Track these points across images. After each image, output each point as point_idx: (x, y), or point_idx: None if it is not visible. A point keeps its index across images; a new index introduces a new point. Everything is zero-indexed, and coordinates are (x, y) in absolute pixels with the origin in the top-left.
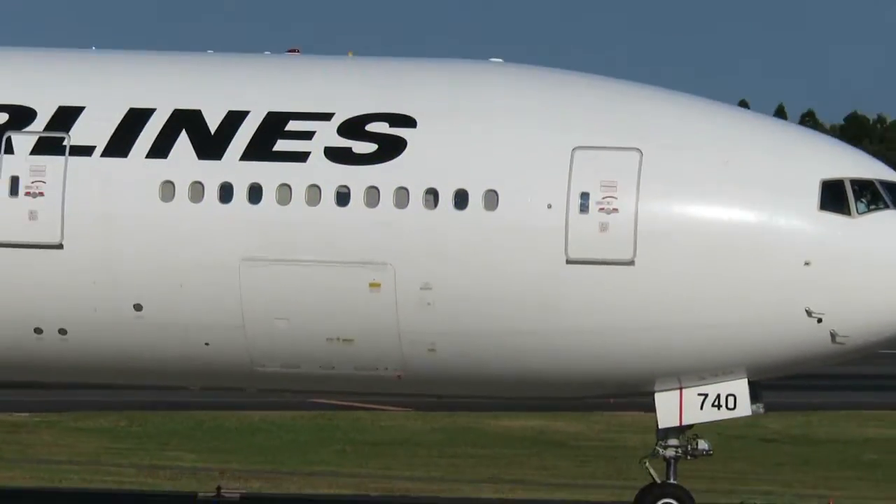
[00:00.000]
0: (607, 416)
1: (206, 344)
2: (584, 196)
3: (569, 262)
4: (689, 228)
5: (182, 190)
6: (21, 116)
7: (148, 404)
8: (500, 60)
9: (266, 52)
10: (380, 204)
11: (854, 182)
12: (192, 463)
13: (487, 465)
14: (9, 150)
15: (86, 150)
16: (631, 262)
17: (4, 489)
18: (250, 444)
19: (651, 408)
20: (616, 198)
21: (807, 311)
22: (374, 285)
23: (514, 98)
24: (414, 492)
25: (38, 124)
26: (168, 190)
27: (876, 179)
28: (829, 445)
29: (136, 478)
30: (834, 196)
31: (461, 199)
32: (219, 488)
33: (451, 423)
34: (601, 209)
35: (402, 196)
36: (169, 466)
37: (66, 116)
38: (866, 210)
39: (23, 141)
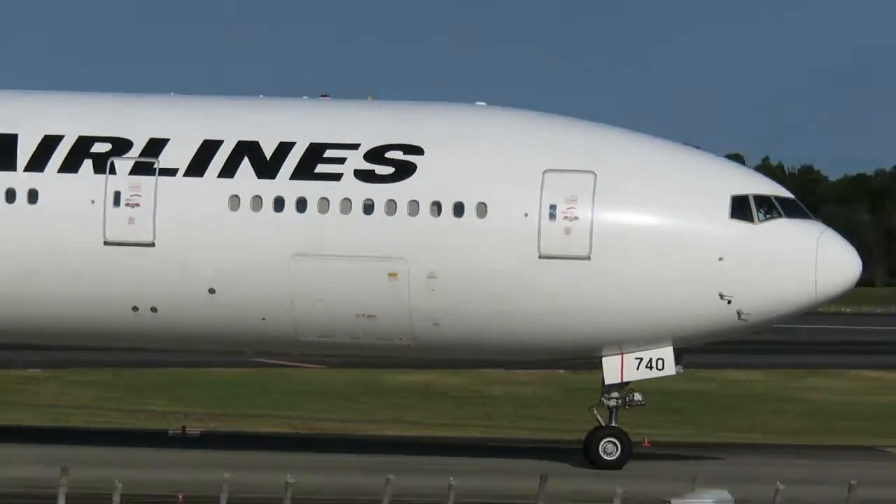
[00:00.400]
0: (478, 371)
1: (263, 319)
2: (553, 207)
3: (541, 257)
4: (632, 232)
5: (245, 202)
6: (121, 146)
7: (131, 363)
8: (485, 104)
9: (304, 97)
10: (396, 213)
11: (756, 197)
12: (164, 408)
13: (388, 410)
14: (112, 171)
15: (171, 172)
16: (588, 258)
17: (20, 427)
18: (209, 394)
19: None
20: (576, 208)
21: (720, 295)
22: (392, 275)
23: (498, 133)
24: (331, 430)
25: (134, 152)
26: (234, 202)
27: (772, 195)
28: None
29: (121, 419)
30: (741, 207)
31: (458, 209)
32: (184, 427)
33: (360, 377)
34: (565, 217)
35: (413, 207)
36: (146, 411)
37: (155, 146)
38: (765, 218)
39: (123, 165)
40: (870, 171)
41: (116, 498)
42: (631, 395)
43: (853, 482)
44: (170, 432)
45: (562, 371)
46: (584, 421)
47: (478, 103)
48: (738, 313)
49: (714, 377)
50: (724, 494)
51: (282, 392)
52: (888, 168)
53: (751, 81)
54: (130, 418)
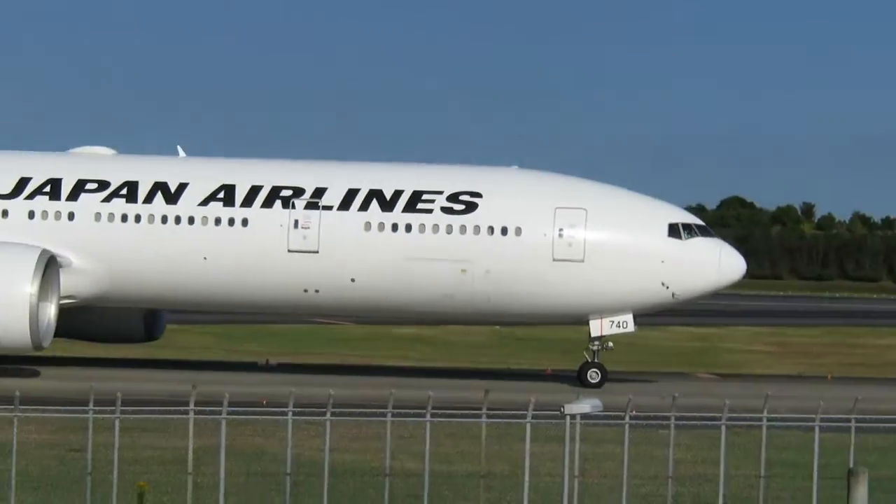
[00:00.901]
0: (451, 328)
1: (384, 297)
2: (560, 230)
3: (553, 260)
4: (608, 245)
5: (374, 226)
6: (298, 192)
7: (235, 320)
8: (517, 167)
9: (407, 161)
10: (467, 233)
11: (682, 224)
12: (255, 349)
13: (392, 349)
14: (293, 207)
15: (329, 207)
16: (582, 261)
17: (165, 359)
18: (283, 340)
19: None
20: (575, 231)
21: (662, 283)
22: (464, 270)
23: (527, 185)
24: (357, 362)
25: (306, 195)
26: (367, 226)
27: (692, 223)
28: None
29: (227, 356)
30: (672, 230)
31: (504, 230)
32: (267, 360)
33: (374, 329)
34: (568, 236)
35: (476, 229)
36: (244, 351)
37: (319, 192)
38: (689, 237)
39: (299, 203)
40: None
41: (225, 403)
42: (606, 344)
43: (676, 394)
44: (258, 363)
45: (497, 327)
46: (514, 355)
47: (513, 166)
48: (672, 294)
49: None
50: (596, 400)
51: (327, 339)
52: None
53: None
54: (234, 356)
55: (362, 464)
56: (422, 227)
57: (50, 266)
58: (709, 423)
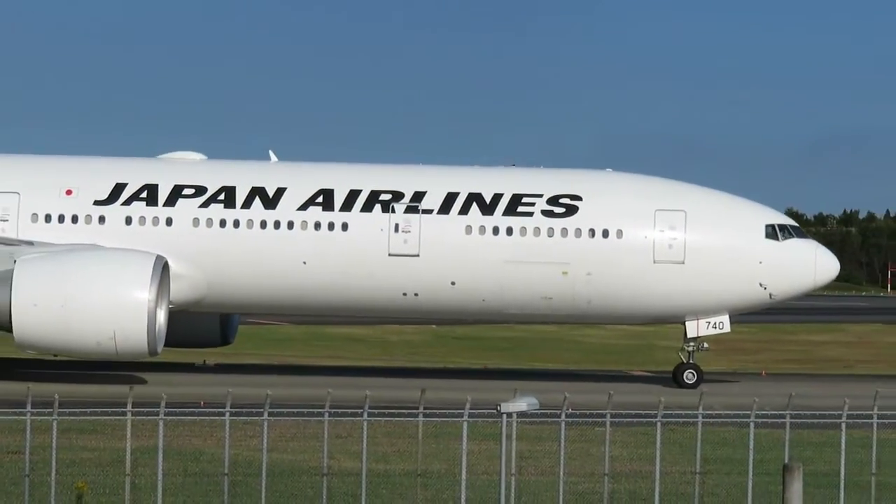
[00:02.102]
0: (388, 327)
1: (483, 300)
2: (661, 231)
3: (654, 262)
4: (707, 246)
5: (475, 229)
6: (397, 196)
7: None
8: (611, 169)
9: (500, 166)
10: (568, 236)
11: (778, 225)
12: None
13: (329, 349)
14: (393, 211)
15: (429, 212)
16: (682, 263)
17: (103, 361)
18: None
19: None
20: (675, 233)
21: (760, 283)
22: (565, 273)
23: (625, 187)
24: (296, 362)
25: (406, 199)
26: (468, 229)
27: (788, 225)
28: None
29: (165, 357)
30: (770, 232)
31: (605, 233)
32: (204, 361)
33: (311, 330)
34: (670, 238)
35: (577, 232)
36: (182, 352)
37: (418, 196)
38: (785, 238)
39: (399, 208)
40: None
41: (162, 404)
42: (701, 344)
43: (611, 392)
44: (196, 364)
45: (433, 326)
46: (452, 354)
47: (607, 169)
48: (770, 295)
49: (526, 329)
50: (533, 399)
51: (264, 340)
52: None
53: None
54: (173, 356)
55: (300, 463)
56: (523, 231)
57: (164, 272)
58: (644, 420)
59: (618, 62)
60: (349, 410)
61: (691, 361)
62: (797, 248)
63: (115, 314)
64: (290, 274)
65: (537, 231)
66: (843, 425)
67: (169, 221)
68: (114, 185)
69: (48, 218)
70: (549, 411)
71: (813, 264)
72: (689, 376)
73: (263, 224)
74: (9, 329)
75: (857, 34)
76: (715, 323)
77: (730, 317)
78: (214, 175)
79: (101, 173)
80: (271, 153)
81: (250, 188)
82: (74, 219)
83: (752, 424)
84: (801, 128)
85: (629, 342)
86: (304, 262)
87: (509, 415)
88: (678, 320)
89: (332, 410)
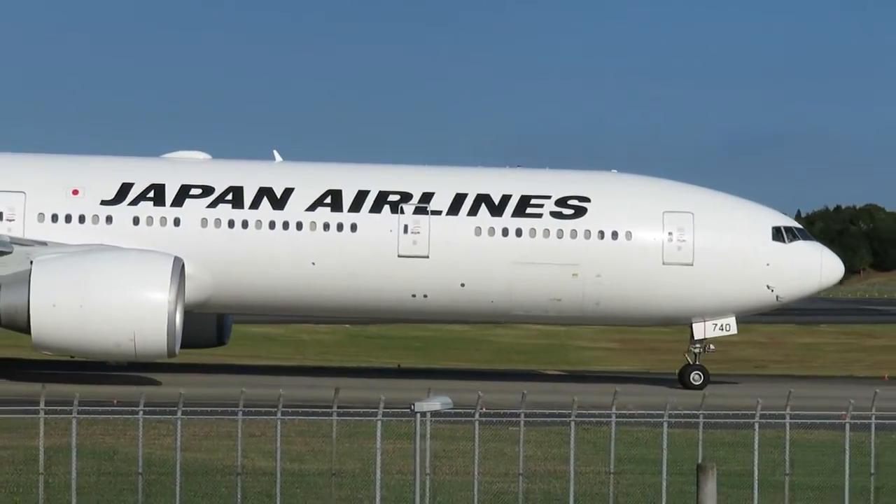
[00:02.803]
0: (302, 326)
1: (492, 302)
2: (670, 234)
3: (663, 264)
4: (715, 248)
5: (484, 230)
6: (406, 197)
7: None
8: (616, 170)
9: (507, 166)
10: (577, 238)
11: (784, 227)
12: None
13: (244, 348)
14: (401, 212)
15: (437, 212)
16: (691, 265)
17: (17, 358)
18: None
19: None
20: (684, 234)
21: (767, 286)
22: (575, 275)
23: (632, 189)
24: (209, 358)
25: (414, 200)
26: (477, 230)
27: (794, 227)
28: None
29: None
30: (777, 234)
31: (614, 235)
32: (117, 360)
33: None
34: (678, 240)
35: (586, 233)
36: None
37: (427, 197)
38: (792, 241)
39: (408, 209)
40: None
41: (76, 403)
42: (707, 346)
43: (525, 391)
44: (109, 363)
45: (347, 325)
46: (364, 353)
47: (612, 170)
48: (777, 297)
49: (438, 328)
50: (446, 398)
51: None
52: None
53: None
54: None
55: (214, 462)
56: (532, 232)
57: (181, 273)
58: (558, 419)
59: (523, 62)
60: (263, 409)
61: (698, 363)
62: (803, 251)
63: (135, 315)
64: (299, 275)
65: (546, 232)
66: (757, 425)
67: (177, 221)
68: (120, 184)
69: (55, 218)
70: (462, 411)
71: (819, 266)
72: (695, 377)
73: (272, 225)
74: (25, 330)
75: (767, 33)
76: (722, 325)
77: (736, 319)
78: (221, 175)
79: (107, 173)
80: (275, 153)
81: (258, 188)
82: (81, 218)
83: (665, 424)
84: (710, 128)
85: (541, 342)
86: (313, 263)
87: (423, 414)
88: (685, 322)
89: (246, 409)
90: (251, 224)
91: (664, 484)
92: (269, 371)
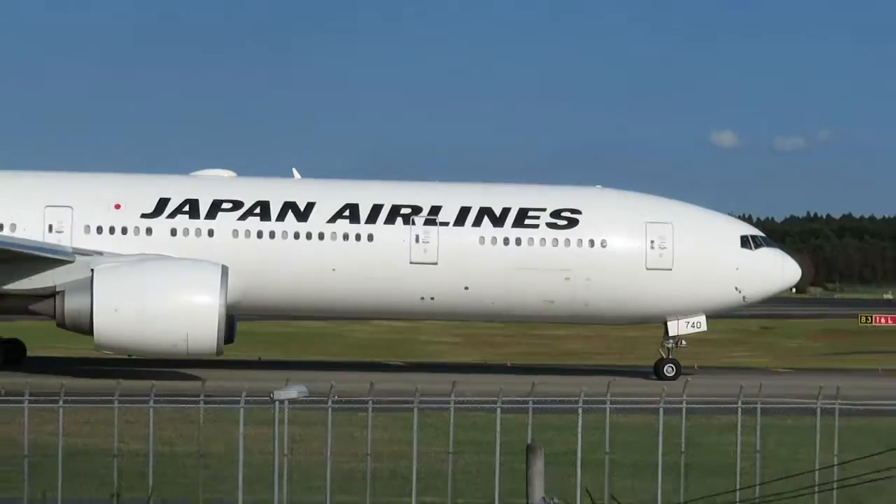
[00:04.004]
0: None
1: (492, 303)
2: (652, 242)
3: (647, 269)
4: (692, 255)
5: (487, 239)
6: (417, 210)
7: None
8: (601, 186)
9: (500, 183)
10: (570, 246)
11: (751, 236)
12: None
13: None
14: (413, 223)
15: (445, 223)
16: (671, 269)
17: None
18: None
19: None
20: (665, 242)
21: (736, 287)
22: (567, 279)
23: (618, 203)
24: (86, 351)
25: (424, 213)
26: (482, 239)
27: (759, 235)
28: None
29: None
30: (744, 242)
31: (603, 243)
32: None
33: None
34: (659, 247)
35: (578, 242)
36: None
37: (435, 209)
38: (757, 248)
39: (419, 220)
40: None
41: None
42: (678, 341)
43: (372, 381)
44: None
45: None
46: (228, 348)
47: (597, 186)
48: (744, 297)
49: (299, 325)
50: (303, 387)
51: (59, 333)
52: None
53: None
54: None
55: (93, 446)
56: (530, 241)
57: (226, 279)
58: (403, 406)
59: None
60: (137, 398)
61: (671, 357)
62: (767, 256)
63: (188, 319)
64: (321, 280)
65: (543, 241)
66: (580, 410)
67: (210, 233)
68: (158, 199)
69: (99, 229)
70: (317, 398)
71: (781, 270)
72: (668, 369)
73: (297, 235)
74: (88, 332)
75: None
76: (694, 322)
77: (706, 317)
78: (249, 191)
79: (145, 189)
80: (295, 171)
81: (283, 203)
82: (124, 230)
83: (498, 409)
84: (539, 141)
85: (391, 337)
86: (334, 270)
87: (281, 402)
88: (661, 320)
89: (121, 398)
90: (278, 235)
91: (497, 462)
92: (142, 363)
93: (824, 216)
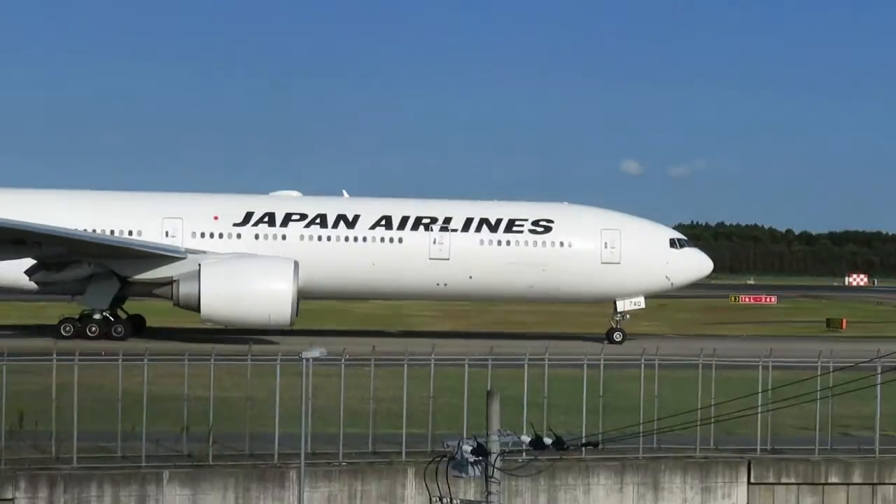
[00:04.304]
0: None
1: (489, 288)
2: (605, 243)
3: (602, 263)
4: (635, 253)
5: (486, 241)
6: (433, 220)
7: None
8: (567, 202)
9: (495, 200)
10: (546, 246)
11: (677, 239)
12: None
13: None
14: (430, 230)
15: (455, 230)
16: (619, 263)
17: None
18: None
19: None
20: (615, 244)
21: (666, 276)
22: (544, 270)
23: (581, 215)
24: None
25: (439, 222)
26: (482, 241)
27: (682, 238)
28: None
29: None
30: (672, 243)
31: (570, 244)
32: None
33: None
34: (610, 247)
35: (551, 244)
36: None
37: (448, 220)
38: (682, 247)
39: (435, 227)
40: None
41: None
42: (624, 315)
43: (374, 345)
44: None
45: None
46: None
47: (564, 202)
48: (671, 284)
49: (316, 303)
50: (323, 349)
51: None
52: None
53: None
54: None
55: (169, 392)
56: (517, 243)
57: (297, 271)
58: (396, 362)
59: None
60: (201, 357)
61: (619, 327)
62: (689, 254)
63: (270, 300)
64: (364, 272)
65: (526, 243)
66: (526, 365)
67: (283, 237)
68: (245, 212)
69: (202, 235)
70: (333, 357)
71: (698, 264)
72: (617, 336)
73: (346, 239)
74: (196, 309)
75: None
76: (635, 301)
77: (644, 298)
78: (311, 206)
79: (236, 204)
80: (344, 192)
81: (336, 215)
82: (220, 235)
83: (466, 365)
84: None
85: (385, 312)
86: (373, 264)
87: (307, 360)
88: (611, 300)
89: (191, 357)
90: (333, 239)
91: (466, 404)
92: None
93: (704, 223)
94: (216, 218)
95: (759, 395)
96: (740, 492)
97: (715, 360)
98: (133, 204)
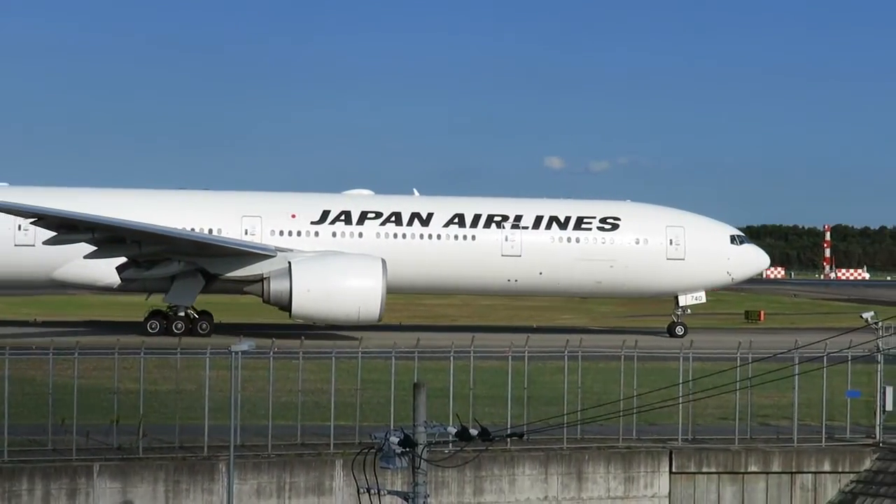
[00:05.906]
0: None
1: (558, 283)
2: (671, 240)
3: (667, 259)
4: (699, 249)
5: (556, 238)
6: (505, 218)
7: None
8: (630, 200)
9: (561, 198)
10: (614, 243)
11: (737, 235)
12: None
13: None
14: (502, 227)
15: (526, 228)
16: (683, 259)
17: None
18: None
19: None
20: (680, 240)
21: (727, 272)
22: (611, 266)
23: (645, 212)
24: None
25: (511, 220)
26: (553, 239)
27: (742, 235)
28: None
29: None
30: (732, 239)
31: (638, 241)
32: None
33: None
34: (675, 244)
35: (621, 240)
36: None
37: (519, 218)
38: (741, 243)
39: (507, 225)
40: None
41: None
42: (686, 309)
43: (303, 336)
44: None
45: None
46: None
47: (627, 200)
48: (732, 279)
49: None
50: (251, 342)
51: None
52: None
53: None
54: None
55: (99, 384)
56: (585, 240)
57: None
58: (324, 355)
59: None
60: (132, 351)
61: (680, 321)
62: (748, 249)
63: (360, 297)
64: (439, 267)
65: (594, 240)
66: (452, 357)
67: (360, 235)
68: (322, 211)
69: (280, 233)
70: (262, 350)
71: (756, 259)
72: (679, 329)
73: (421, 236)
74: (287, 307)
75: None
76: (696, 296)
77: (705, 292)
78: (385, 205)
79: (313, 203)
80: (415, 190)
81: (411, 213)
82: (298, 233)
83: (393, 358)
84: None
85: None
86: (448, 260)
87: (236, 353)
88: (674, 295)
89: (120, 351)
90: (408, 236)
91: (393, 396)
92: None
93: None
94: (294, 216)
95: (680, 385)
96: (662, 481)
97: (637, 351)
98: (213, 202)
